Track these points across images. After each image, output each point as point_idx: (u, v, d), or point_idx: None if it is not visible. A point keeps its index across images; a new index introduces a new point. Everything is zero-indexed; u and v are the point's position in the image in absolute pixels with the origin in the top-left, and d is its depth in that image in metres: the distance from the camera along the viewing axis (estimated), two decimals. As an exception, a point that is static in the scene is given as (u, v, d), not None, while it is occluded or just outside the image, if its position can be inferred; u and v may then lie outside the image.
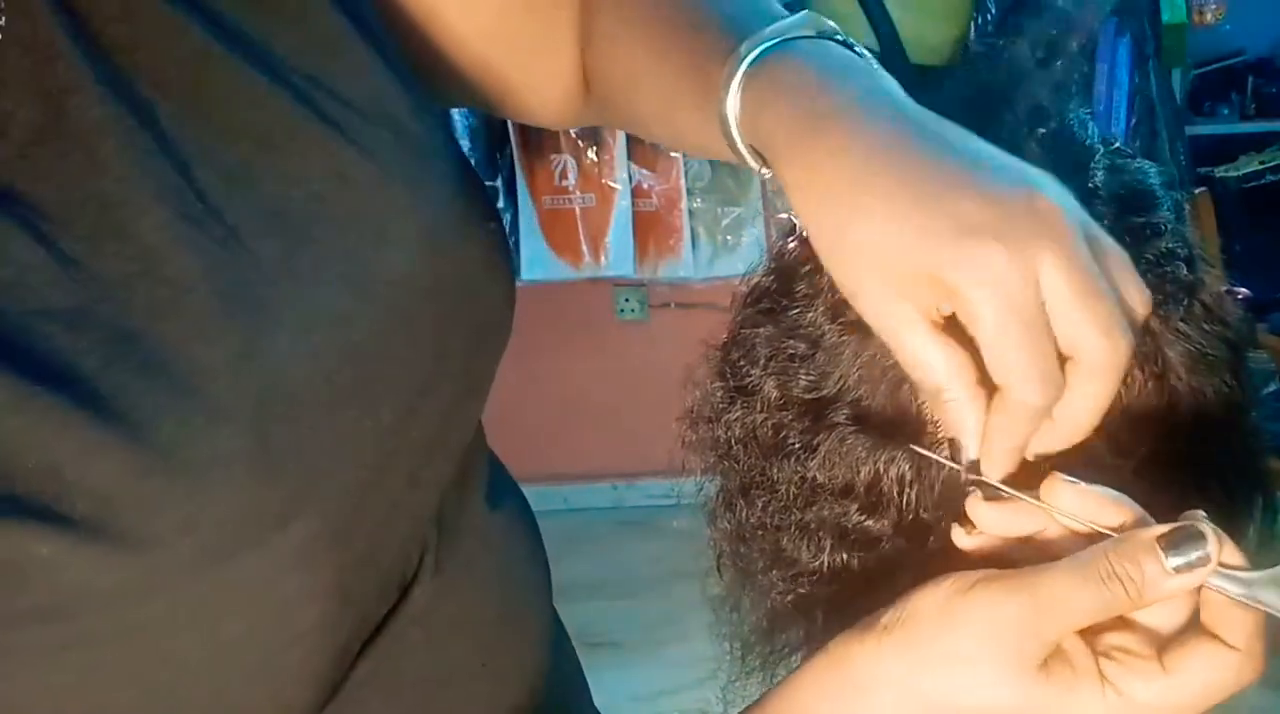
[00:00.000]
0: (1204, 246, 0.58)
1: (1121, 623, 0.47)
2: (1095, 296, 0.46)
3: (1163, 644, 0.47)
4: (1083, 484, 0.48)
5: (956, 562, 0.50)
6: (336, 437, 0.56)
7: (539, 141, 3.12)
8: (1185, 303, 0.55)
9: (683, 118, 0.63)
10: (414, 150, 0.62)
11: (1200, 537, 0.45)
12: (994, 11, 2.62)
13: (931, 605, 0.48)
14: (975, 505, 0.49)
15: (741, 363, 0.59)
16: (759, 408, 0.58)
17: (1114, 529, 0.47)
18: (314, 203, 0.57)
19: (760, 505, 0.59)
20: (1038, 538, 0.49)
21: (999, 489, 0.49)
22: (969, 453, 0.48)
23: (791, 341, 0.57)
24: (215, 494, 0.51)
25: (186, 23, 0.55)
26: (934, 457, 0.52)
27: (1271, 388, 2.38)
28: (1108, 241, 0.48)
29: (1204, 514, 0.46)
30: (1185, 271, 0.56)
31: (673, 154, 3.15)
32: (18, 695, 0.50)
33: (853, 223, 0.49)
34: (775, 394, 0.58)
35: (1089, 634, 0.47)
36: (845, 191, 0.49)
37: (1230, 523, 0.57)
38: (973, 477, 0.49)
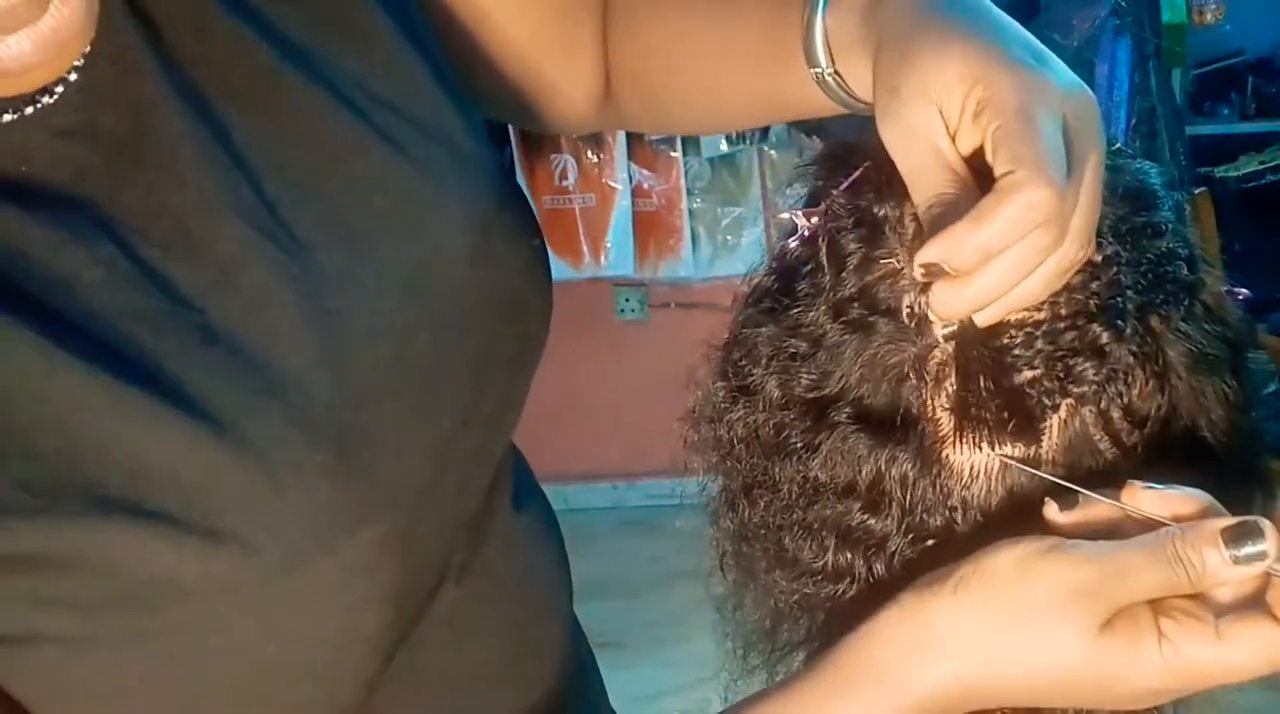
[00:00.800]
0: (1204, 246, 0.58)
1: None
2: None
3: (1221, 612, 0.49)
4: (1160, 488, 0.50)
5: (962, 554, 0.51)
6: (401, 446, 0.57)
7: (539, 141, 3.12)
8: (1185, 303, 0.56)
9: (744, 71, 0.66)
10: (468, 168, 0.64)
11: (1260, 533, 0.48)
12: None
13: (1008, 565, 0.50)
14: (1052, 515, 0.52)
15: (743, 363, 0.59)
16: (761, 407, 0.58)
17: (1185, 518, 0.50)
18: (375, 217, 0.59)
19: (763, 505, 0.59)
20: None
21: (1079, 492, 0.51)
22: (952, 253, 0.49)
23: (793, 341, 0.57)
24: (296, 497, 0.53)
25: (258, 42, 0.57)
26: (1021, 466, 0.53)
27: (1271, 388, 2.38)
28: (1101, 148, 0.51)
29: (1268, 522, 0.48)
30: (1185, 271, 0.56)
31: (672, 153, 3.15)
32: (96, 676, 0.51)
33: (919, 42, 0.52)
34: (777, 394, 0.58)
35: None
36: (921, 26, 0.53)
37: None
38: (1053, 481, 0.52)
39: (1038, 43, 0.53)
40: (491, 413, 0.65)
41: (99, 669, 0.51)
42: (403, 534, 0.57)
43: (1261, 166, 3.47)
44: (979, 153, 0.51)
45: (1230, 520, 0.49)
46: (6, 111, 0.51)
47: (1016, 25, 0.53)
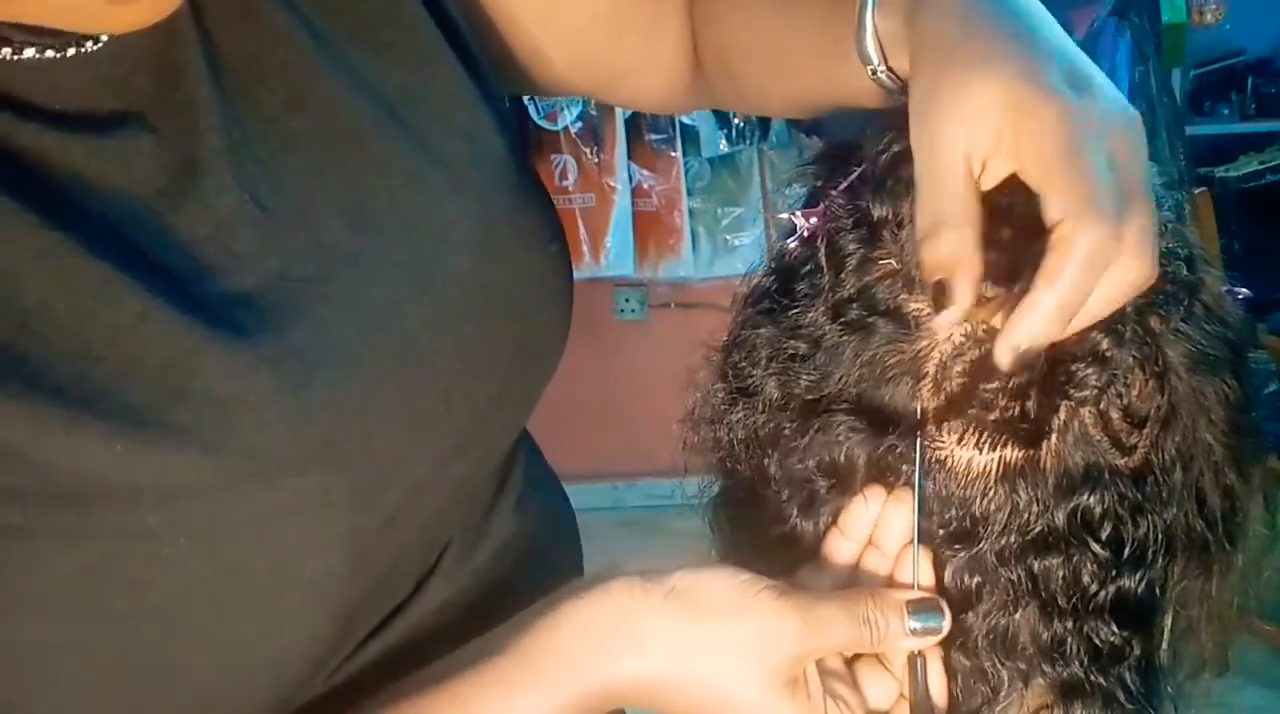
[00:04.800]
0: (1204, 246, 0.58)
1: (854, 683, 0.56)
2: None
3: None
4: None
5: None
6: (369, 407, 0.58)
7: (539, 141, 3.13)
8: (1185, 303, 0.56)
9: (808, 65, 0.66)
10: (487, 164, 0.65)
11: (940, 611, 0.54)
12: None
13: (723, 592, 0.53)
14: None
15: (742, 364, 0.59)
16: (760, 409, 0.58)
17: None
18: (386, 200, 0.61)
19: (762, 505, 0.59)
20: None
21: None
22: (960, 292, 0.50)
23: (792, 342, 0.57)
24: (241, 426, 0.54)
25: (293, 27, 0.60)
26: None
27: (1271, 388, 2.37)
28: (1144, 171, 0.51)
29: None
30: (1185, 271, 0.56)
31: (672, 153, 3.15)
32: (28, 572, 0.51)
33: (957, 57, 0.52)
34: (776, 395, 0.58)
35: (830, 678, 0.55)
36: (958, 38, 0.53)
37: (1226, 527, 0.57)
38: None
39: (1081, 58, 0.52)
40: (480, 404, 0.64)
41: (32, 565, 0.51)
42: (359, 490, 0.58)
43: (1261, 166, 3.47)
44: (1011, 179, 0.51)
45: (916, 594, 0.54)
46: (51, 48, 0.54)
47: (1059, 36, 0.53)
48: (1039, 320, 0.50)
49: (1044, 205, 0.49)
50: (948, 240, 0.50)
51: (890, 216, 0.55)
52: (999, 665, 0.56)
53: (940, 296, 0.51)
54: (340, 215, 0.60)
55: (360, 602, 0.60)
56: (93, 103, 0.55)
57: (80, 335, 0.51)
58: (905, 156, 0.54)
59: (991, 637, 0.55)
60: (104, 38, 0.55)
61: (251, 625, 0.56)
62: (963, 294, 0.50)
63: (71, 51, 0.54)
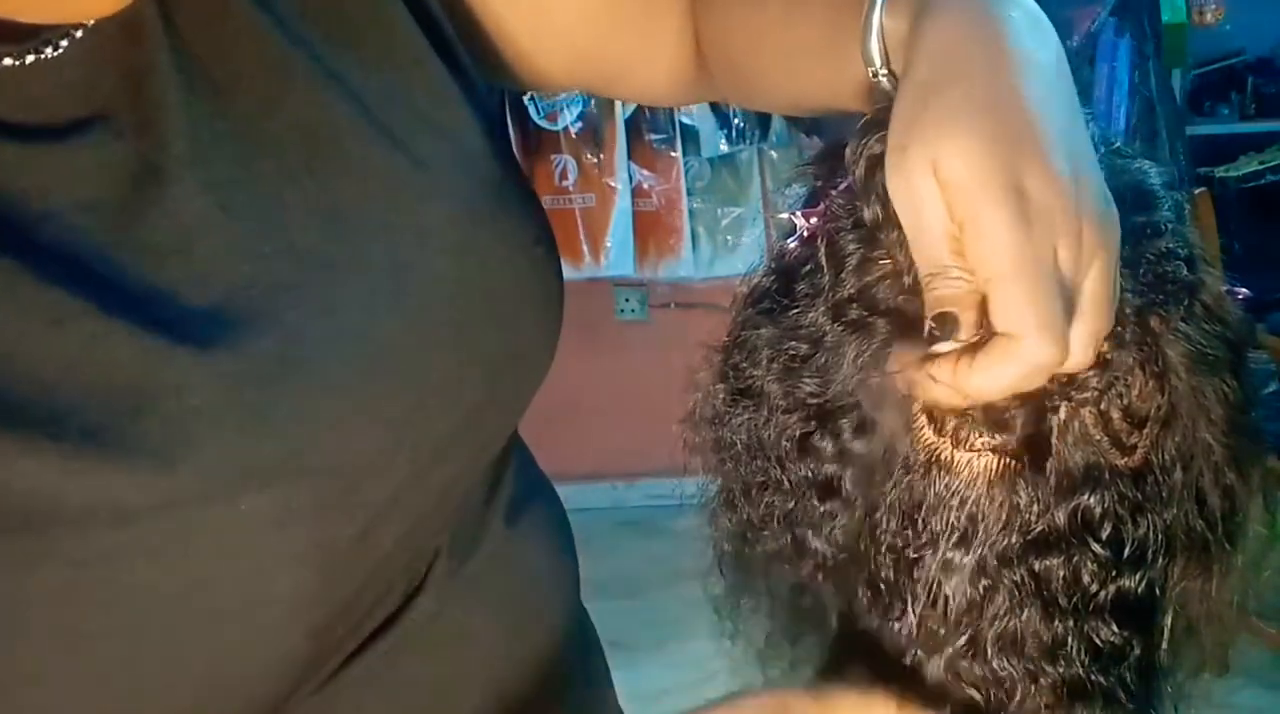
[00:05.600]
0: (1204, 246, 0.58)
1: None
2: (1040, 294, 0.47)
3: None
4: None
5: None
6: (338, 417, 0.57)
7: (539, 141, 3.13)
8: (1185, 303, 0.55)
9: (812, 66, 0.64)
10: (469, 165, 0.64)
11: None
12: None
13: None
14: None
15: (743, 365, 0.59)
16: (761, 409, 0.58)
17: None
18: (362, 203, 0.60)
19: (763, 505, 0.59)
20: None
21: None
22: (963, 325, 0.49)
23: (793, 342, 0.57)
24: (200, 442, 0.52)
25: (268, 30, 0.59)
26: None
27: (1271, 388, 2.37)
28: (1110, 274, 0.49)
29: None
30: (1185, 271, 0.56)
31: (672, 154, 3.15)
32: None
33: (940, 100, 0.49)
34: (777, 395, 0.58)
35: None
36: (958, 61, 0.50)
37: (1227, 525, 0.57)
38: None
39: (1077, 133, 0.50)
40: (461, 412, 0.63)
41: None
42: (328, 503, 0.56)
43: (1261, 166, 3.47)
44: None
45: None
46: (9, 56, 0.53)
47: (1055, 92, 0.50)
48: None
49: (991, 310, 0.48)
50: (951, 282, 0.49)
51: (879, 218, 0.55)
52: (1010, 667, 0.55)
53: (944, 327, 0.49)
54: (314, 219, 0.58)
55: (337, 616, 0.59)
56: (56, 111, 0.54)
57: (31, 361, 0.50)
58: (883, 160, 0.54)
59: (1000, 641, 0.55)
60: (64, 43, 0.54)
61: (221, 643, 0.56)
62: (966, 326, 0.49)
63: (31, 58, 0.53)
